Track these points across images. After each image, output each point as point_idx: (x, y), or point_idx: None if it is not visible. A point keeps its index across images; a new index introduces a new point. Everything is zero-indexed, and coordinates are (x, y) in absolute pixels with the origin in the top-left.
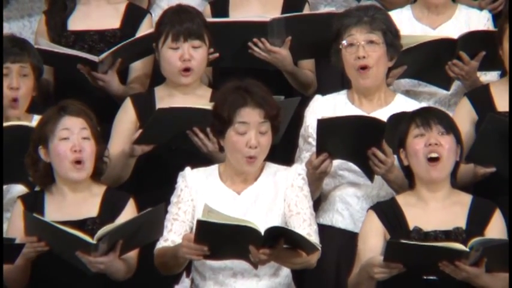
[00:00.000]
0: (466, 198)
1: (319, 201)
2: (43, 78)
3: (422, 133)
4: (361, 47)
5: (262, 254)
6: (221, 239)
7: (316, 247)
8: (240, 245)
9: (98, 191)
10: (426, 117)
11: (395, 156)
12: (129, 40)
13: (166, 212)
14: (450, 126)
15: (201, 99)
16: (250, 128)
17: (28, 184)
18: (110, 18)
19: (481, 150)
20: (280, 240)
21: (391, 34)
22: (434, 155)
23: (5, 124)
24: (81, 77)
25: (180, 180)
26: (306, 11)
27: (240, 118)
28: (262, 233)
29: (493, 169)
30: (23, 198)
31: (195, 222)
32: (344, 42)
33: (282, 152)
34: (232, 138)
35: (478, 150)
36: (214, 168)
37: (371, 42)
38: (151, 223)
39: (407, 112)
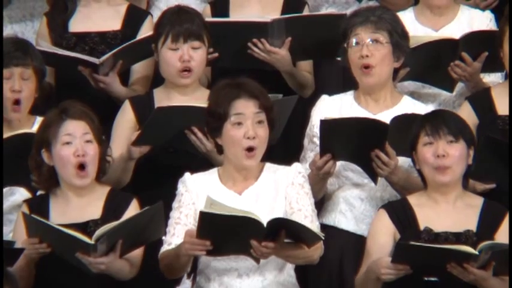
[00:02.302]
0: (478, 201)
1: (322, 201)
2: (45, 82)
3: (431, 141)
4: (365, 46)
5: (265, 248)
6: (223, 232)
7: (318, 236)
8: (242, 239)
9: (102, 193)
10: (435, 125)
11: (400, 157)
12: (130, 42)
13: (166, 213)
14: (460, 133)
15: (199, 100)
16: (246, 119)
17: (30, 188)
18: (110, 20)
19: (479, 169)
20: (282, 232)
21: (397, 34)
22: (442, 165)
23: (8, 134)
24: (82, 78)
25: (180, 185)
26: (306, 12)
27: (234, 110)
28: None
29: (492, 185)
30: (29, 202)
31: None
32: (350, 41)
33: (282, 152)
34: (229, 132)
35: (476, 169)
36: (213, 172)
37: (376, 41)
38: (151, 221)
39: (409, 114)
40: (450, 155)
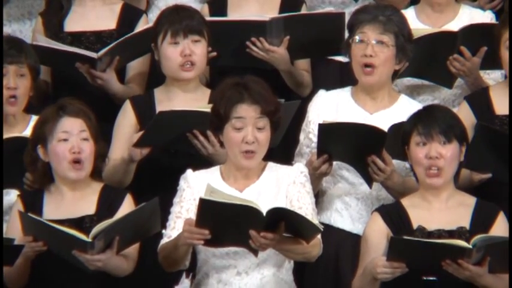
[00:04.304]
0: (470, 200)
1: (317, 199)
2: (41, 80)
3: (423, 142)
4: (371, 46)
5: (263, 238)
6: (222, 221)
7: (317, 228)
8: (241, 229)
9: (95, 189)
10: (428, 125)
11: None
12: (127, 36)
13: (167, 212)
14: (453, 132)
15: (200, 100)
16: (247, 124)
17: (22, 190)
18: (105, 19)
19: (475, 158)
20: (281, 224)
21: (403, 37)
22: (434, 168)
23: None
24: (79, 76)
25: (182, 181)
26: (303, 11)
27: (236, 114)
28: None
29: (488, 175)
30: (22, 196)
31: None
32: (356, 37)
33: (281, 150)
34: (229, 134)
35: (472, 158)
36: (215, 169)
37: (381, 42)
38: (147, 217)
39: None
40: (443, 156)
